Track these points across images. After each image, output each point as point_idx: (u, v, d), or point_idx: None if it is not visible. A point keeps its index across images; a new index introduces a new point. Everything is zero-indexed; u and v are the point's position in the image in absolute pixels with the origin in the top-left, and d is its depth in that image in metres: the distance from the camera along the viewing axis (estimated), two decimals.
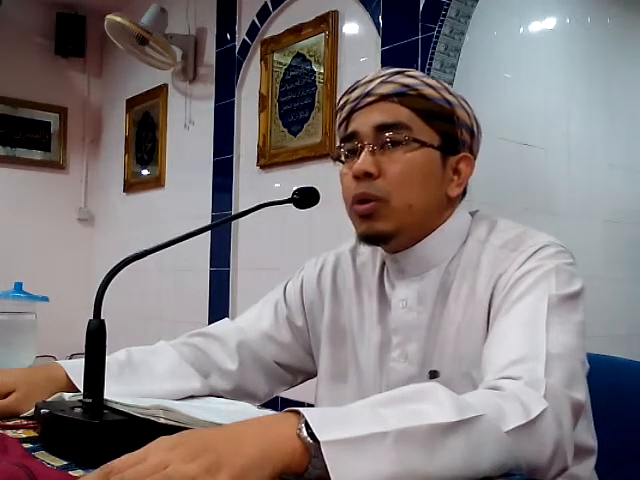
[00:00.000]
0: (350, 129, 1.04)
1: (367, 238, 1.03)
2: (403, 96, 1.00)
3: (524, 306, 0.90)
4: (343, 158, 1.06)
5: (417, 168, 1.00)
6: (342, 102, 1.07)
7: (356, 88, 1.04)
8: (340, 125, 1.08)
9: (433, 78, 1.04)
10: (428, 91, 1.01)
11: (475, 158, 1.07)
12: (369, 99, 1.02)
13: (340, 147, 1.06)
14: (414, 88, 1.01)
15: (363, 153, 1.00)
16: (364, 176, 0.99)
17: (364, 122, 1.02)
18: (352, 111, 1.04)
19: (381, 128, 1.00)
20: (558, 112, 3.16)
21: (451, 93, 1.03)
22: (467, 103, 1.05)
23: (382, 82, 1.01)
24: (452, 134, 1.03)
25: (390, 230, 1.00)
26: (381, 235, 1.01)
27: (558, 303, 0.89)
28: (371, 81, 1.03)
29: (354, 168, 1.00)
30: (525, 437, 0.73)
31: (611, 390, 1.14)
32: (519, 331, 0.87)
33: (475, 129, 1.06)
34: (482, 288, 0.97)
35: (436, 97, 1.01)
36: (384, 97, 1.01)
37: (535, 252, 0.96)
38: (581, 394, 0.83)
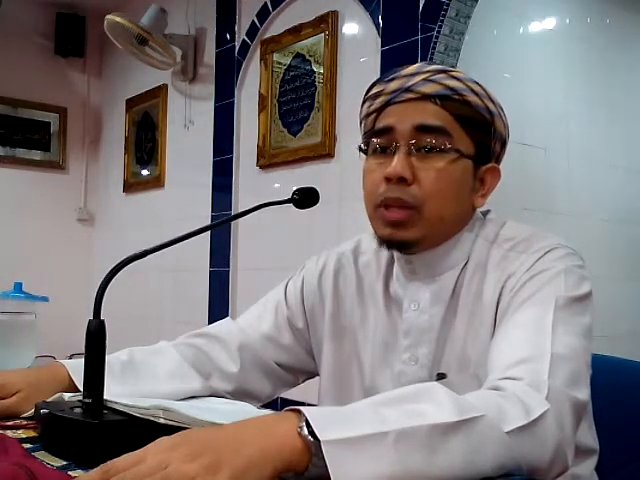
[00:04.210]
0: (384, 123, 0.99)
1: (389, 244, 1.00)
2: (446, 99, 0.96)
3: (531, 307, 0.90)
4: (371, 152, 1.01)
5: (453, 179, 0.97)
6: (376, 91, 1.01)
7: (394, 79, 0.98)
8: (369, 115, 1.03)
9: (477, 83, 0.99)
10: (472, 98, 0.97)
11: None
12: (409, 95, 0.97)
13: (372, 140, 1.00)
14: (459, 92, 0.96)
15: (399, 155, 0.95)
16: (398, 180, 0.95)
17: (403, 119, 0.97)
18: (387, 104, 0.99)
19: (421, 129, 0.96)
20: (558, 112, 3.16)
21: (493, 101, 0.99)
22: (504, 112, 1.02)
23: (425, 80, 0.96)
24: (486, 145, 1.00)
25: (415, 239, 0.98)
26: (405, 243, 0.99)
27: (566, 305, 0.89)
28: (413, 75, 0.97)
29: (388, 170, 0.95)
30: (526, 438, 0.73)
31: (611, 390, 1.14)
32: (524, 331, 0.87)
33: (507, 140, 1.03)
34: (490, 289, 0.96)
35: (479, 105, 0.97)
36: (426, 97, 0.96)
37: (545, 254, 0.95)
38: (584, 396, 0.83)
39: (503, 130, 1.02)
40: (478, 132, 0.98)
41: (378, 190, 0.98)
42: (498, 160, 1.04)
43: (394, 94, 0.98)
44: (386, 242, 1.00)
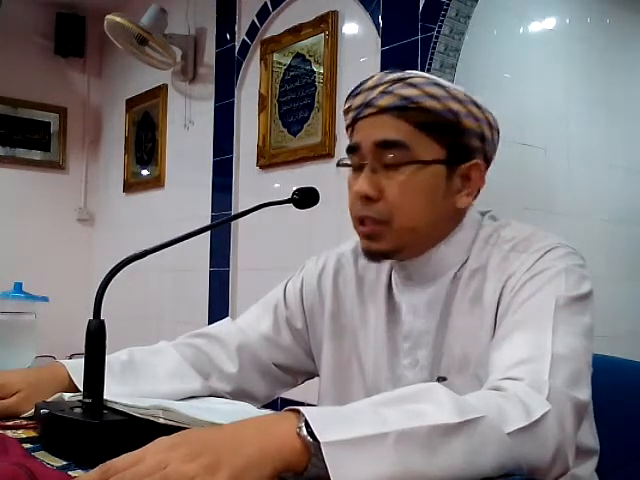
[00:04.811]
0: (354, 140, 1.01)
1: (368, 255, 1.02)
2: (403, 110, 0.96)
3: (531, 307, 0.90)
4: (351, 167, 1.03)
5: (418, 189, 0.97)
6: (346, 106, 1.03)
7: (359, 93, 1.00)
8: (347, 129, 1.05)
9: (437, 85, 0.97)
10: (429, 103, 0.95)
11: (490, 161, 1.03)
12: (370, 110, 0.98)
13: (347, 157, 1.03)
14: (414, 101, 0.95)
15: (363, 174, 0.98)
16: (365, 199, 0.97)
17: (365, 136, 0.99)
18: (354, 120, 1.01)
19: (381, 145, 0.97)
20: (558, 112, 3.16)
21: (458, 100, 0.96)
22: (477, 106, 0.99)
23: (383, 92, 0.97)
24: (459, 144, 0.98)
25: (390, 249, 1.00)
26: (382, 253, 1.01)
27: (566, 305, 0.89)
28: (372, 89, 0.98)
29: (355, 189, 0.98)
30: (526, 439, 0.72)
31: (611, 390, 1.14)
32: (525, 332, 0.87)
33: (487, 132, 1.00)
34: (490, 290, 0.96)
35: (438, 109, 0.95)
36: (384, 110, 0.97)
37: (545, 253, 0.95)
38: (585, 396, 0.83)
39: (476, 126, 0.98)
40: (445, 135, 0.97)
41: (355, 206, 1.00)
42: (486, 154, 1.02)
43: (358, 110, 1.00)
44: (365, 254, 1.02)
